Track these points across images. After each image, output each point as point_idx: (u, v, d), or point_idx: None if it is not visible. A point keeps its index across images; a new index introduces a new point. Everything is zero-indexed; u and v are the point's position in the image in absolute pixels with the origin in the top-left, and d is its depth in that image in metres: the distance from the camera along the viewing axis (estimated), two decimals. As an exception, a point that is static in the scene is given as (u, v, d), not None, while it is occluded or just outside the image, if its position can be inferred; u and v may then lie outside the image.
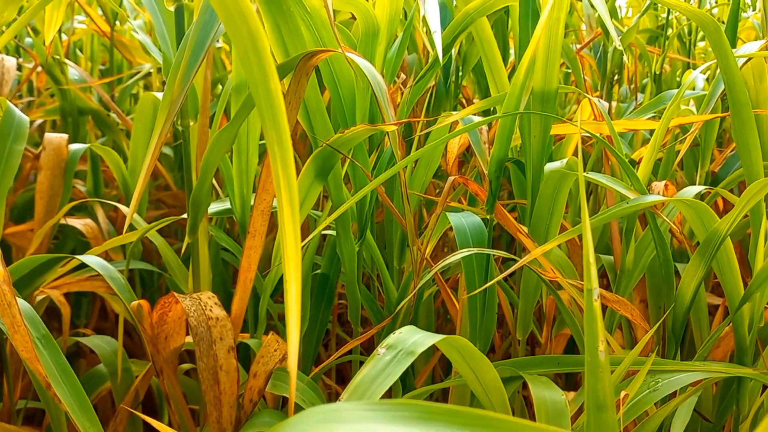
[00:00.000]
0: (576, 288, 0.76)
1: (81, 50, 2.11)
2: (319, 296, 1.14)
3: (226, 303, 1.00)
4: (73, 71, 1.73)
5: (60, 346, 0.92)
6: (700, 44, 2.20)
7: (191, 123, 0.91)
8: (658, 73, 1.68)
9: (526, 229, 0.98)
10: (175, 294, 0.85)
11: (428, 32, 1.10)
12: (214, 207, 1.07)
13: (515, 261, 0.76)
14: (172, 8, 0.84)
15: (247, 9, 0.37)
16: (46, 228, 1.09)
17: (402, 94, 1.64)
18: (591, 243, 0.46)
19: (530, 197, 0.94)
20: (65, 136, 1.18)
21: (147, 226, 1.03)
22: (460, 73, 1.86)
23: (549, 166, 0.98)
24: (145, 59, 1.87)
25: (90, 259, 0.91)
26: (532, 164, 0.92)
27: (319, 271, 1.14)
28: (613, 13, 1.68)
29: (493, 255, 0.88)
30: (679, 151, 1.14)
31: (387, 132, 0.79)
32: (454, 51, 1.74)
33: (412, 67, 1.82)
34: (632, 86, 2.10)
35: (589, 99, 1.07)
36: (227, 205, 1.08)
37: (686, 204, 0.73)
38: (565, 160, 1.11)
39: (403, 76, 1.54)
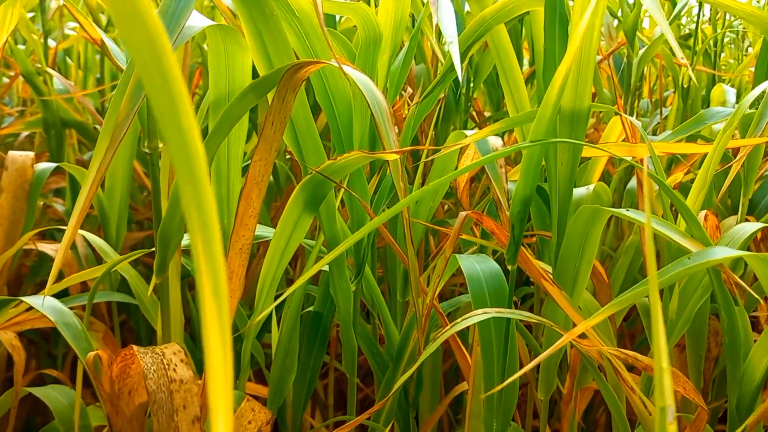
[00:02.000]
0: (617, 358, 0.61)
1: (73, 58, 1.98)
2: (312, 337, 0.99)
3: (193, 359, 0.85)
4: (57, 81, 1.60)
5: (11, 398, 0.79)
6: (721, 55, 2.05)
7: (161, 145, 0.77)
8: (686, 86, 1.53)
9: (549, 270, 0.83)
10: (135, 347, 0.70)
11: (439, 40, 0.96)
12: (188, 238, 0.93)
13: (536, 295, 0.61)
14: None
15: (145, 10, 0.23)
16: (5, 258, 0.95)
17: (409, 107, 1.50)
18: (664, 347, 0.31)
19: (556, 233, 0.79)
20: (31, 154, 1.05)
21: (114, 260, 0.89)
22: (472, 85, 1.72)
23: (575, 194, 0.84)
24: (137, 68, 1.73)
25: (37, 301, 0.77)
26: (559, 195, 0.77)
27: (311, 308, 1.00)
28: (637, 24, 1.54)
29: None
30: (718, 176, 0.99)
31: (387, 160, 0.64)
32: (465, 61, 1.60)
33: (419, 79, 1.68)
34: (654, 99, 1.95)
35: (622, 117, 0.92)
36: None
37: (761, 260, 0.58)
38: (591, 187, 0.96)
39: (409, 90, 1.40)
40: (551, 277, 0.70)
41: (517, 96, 1.01)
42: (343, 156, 0.69)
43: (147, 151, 0.76)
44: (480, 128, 1.94)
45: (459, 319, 0.60)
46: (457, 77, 1.59)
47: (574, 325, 0.67)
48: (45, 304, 0.79)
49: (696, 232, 0.57)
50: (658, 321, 0.31)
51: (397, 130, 1.66)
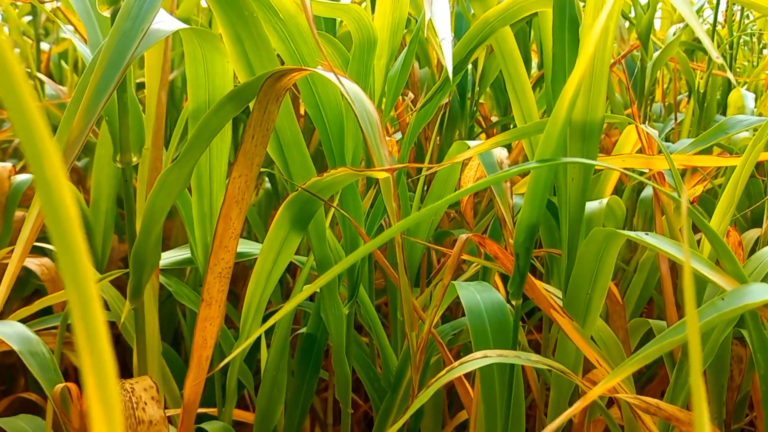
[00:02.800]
0: (636, 404, 0.53)
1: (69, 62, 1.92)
2: (304, 360, 0.92)
3: (181, 378, 0.78)
4: (48, 86, 1.54)
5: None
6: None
7: (134, 159, 0.70)
8: (702, 91, 1.45)
9: (559, 294, 0.76)
10: (103, 383, 0.64)
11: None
12: (170, 256, 0.86)
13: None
14: (107, 13, 0.63)
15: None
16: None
17: (412, 113, 1.43)
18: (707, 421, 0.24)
19: (566, 254, 0.72)
20: (8, 165, 0.98)
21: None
22: (477, 89, 1.64)
23: (587, 208, 0.77)
24: (136, 72, 1.67)
25: (4, 328, 0.71)
26: (569, 213, 0.70)
27: (303, 329, 0.93)
28: (651, 26, 1.46)
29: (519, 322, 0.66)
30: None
31: (378, 179, 0.57)
32: (470, 65, 1.53)
33: (423, 84, 1.61)
34: (667, 103, 1.87)
35: (638, 128, 0.85)
36: (187, 254, 0.86)
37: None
38: (604, 201, 0.89)
39: (411, 95, 1.33)
40: (561, 306, 0.62)
41: (524, 103, 0.94)
42: (330, 172, 0.62)
43: (119, 165, 0.69)
44: (487, 134, 1.86)
45: (456, 363, 0.53)
46: (463, 82, 1.52)
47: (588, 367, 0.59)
48: (12, 330, 0.73)
49: (729, 266, 0.50)
50: (701, 401, 0.24)
51: (400, 136, 1.58)
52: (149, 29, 0.53)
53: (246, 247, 0.89)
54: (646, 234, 0.58)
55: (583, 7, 0.72)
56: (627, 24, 1.67)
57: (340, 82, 0.56)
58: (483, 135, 1.90)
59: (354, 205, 0.78)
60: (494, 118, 1.90)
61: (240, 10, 0.61)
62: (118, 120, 0.68)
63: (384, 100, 0.92)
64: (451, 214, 1.38)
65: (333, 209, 0.81)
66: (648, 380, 1.28)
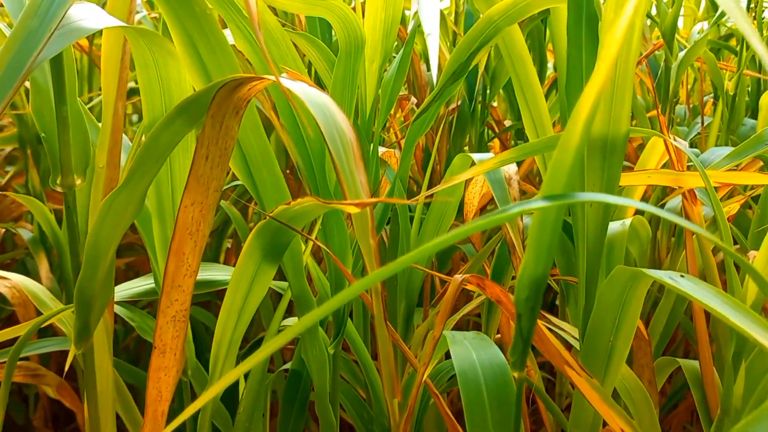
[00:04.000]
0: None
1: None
2: (290, 400, 0.82)
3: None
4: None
5: None
6: None
7: (78, 182, 0.60)
8: (732, 93, 1.33)
9: (575, 336, 0.65)
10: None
11: (454, 45, 0.78)
12: (131, 287, 0.76)
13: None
14: None
15: None
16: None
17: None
18: None
19: (583, 289, 0.61)
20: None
21: (45, 315, 0.72)
22: (488, 92, 1.53)
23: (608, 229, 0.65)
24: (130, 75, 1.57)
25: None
26: (587, 243, 0.58)
27: (287, 365, 0.82)
28: (676, 24, 1.33)
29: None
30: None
31: (352, 213, 0.46)
32: (480, 66, 1.42)
33: (430, 87, 1.50)
34: (691, 106, 1.74)
35: (667, 143, 0.73)
36: (150, 283, 0.76)
37: None
38: (627, 222, 0.77)
39: (414, 99, 1.22)
40: (577, 361, 0.51)
41: (535, 112, 0.82)
42: (298, 201, 0.51)
43: (59, 189, 0.59)
44: (500, 139, 1.75)
45: None
46: (472, 84, 1.40)
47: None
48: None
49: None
50: None
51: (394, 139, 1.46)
52: (67, 27, 0.42)
53: (218, 272, 0.79)
54: (681, 276, 0.46)
55: (603, 1, 0.61)
56: (648, 22, 1.55)
57: (296, 93, 0.45)
58: (496, 140, 1.79)
59: (339, 231, 0.67)
60: (507, 122, 1.79)
61: (190, 5, 0.51)
62: (57, 137, 0.58)
63: (379, 105, 0.82)
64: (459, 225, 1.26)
65: (316, 229, 0.71)
66: (673, 407, 1.16)
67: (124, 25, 0.50)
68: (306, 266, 0.70)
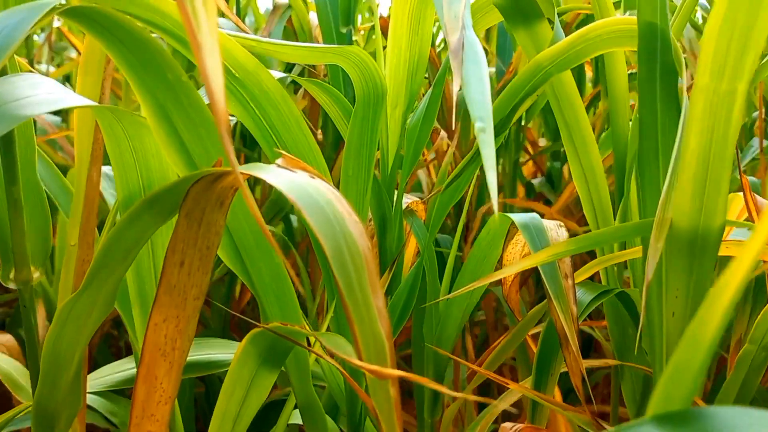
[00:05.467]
0: None
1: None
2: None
3: None
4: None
5: None
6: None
7: (36, 275, 0.49)
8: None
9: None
10: None
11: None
12: (111, 372, 0.65)
13: None
14: None
15: None
16: None
17: (447, 150, 1.20)
18: None
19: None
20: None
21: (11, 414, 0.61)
22: (524, 115, 1.40)
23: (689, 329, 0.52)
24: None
25: None
26: (665, 362, 0.46)
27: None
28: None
29: None
30: None
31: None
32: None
33: (461, 110, 1.37)
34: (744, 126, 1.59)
35: (748, 199, 0.60)
36: (131, 369, 0.65)
37: None
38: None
39: (443, 134, 1.09)
40: None
41: (585, 161, 0.70)
42: (296, 327, 0.40)
43: (13, 286, 0.48)
44: (534, 161, 1.62)
45: None
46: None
47: None
48: None
49: None
50: None
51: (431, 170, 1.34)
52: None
53: (216, 351, 0.68)
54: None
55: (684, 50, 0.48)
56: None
57: (290, 195, 0.33)
58: (530, 163, 1.66)
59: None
60: (542, 142, 1.66)
61: (161, 72, 0.39)
62: (8, 223, 0.46)
63: (403, 154, 0.70)
64: (492, 297, 1.13)
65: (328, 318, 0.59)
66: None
67: (82, 104, 0.38)
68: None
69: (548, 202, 1.53)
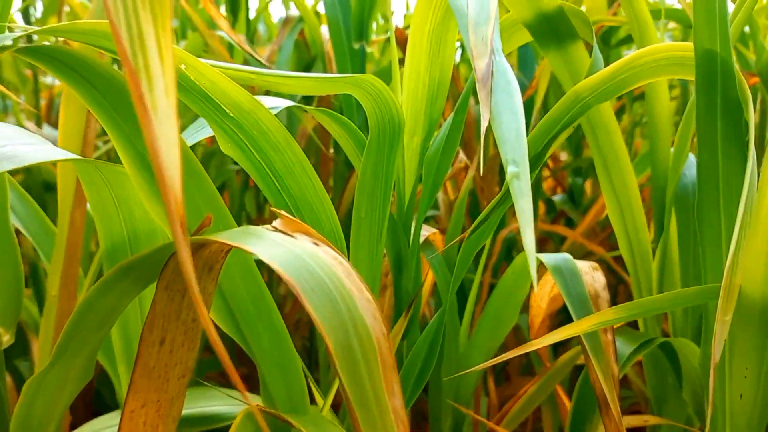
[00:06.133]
0: None
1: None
2: None
3: None
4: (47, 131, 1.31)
5: None
6: None
7: (5, 338, 0.43)
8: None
9: None
10: None
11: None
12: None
13: None
14: None
15: None
16: None
17: (466, 174, 1.13)
18: None
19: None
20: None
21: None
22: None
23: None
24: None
25: None
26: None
27: None
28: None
29: None
30: None
31: None
32: (537, 101, 1.22)
33: (480, 131, 1.29)
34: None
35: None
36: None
37: None
38: None
39: (462, 156, 1.03)
40: None
41: (622, 194, 0.63)
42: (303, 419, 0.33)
43: (-23, 351, 0.42)
44: (555, 178, 1.55)
45: None
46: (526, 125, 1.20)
47: None
48: None
49: None
50: None
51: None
52: None
53: (214, 404, 0.61)
54: None
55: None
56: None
57: (292, 280, 0.26)
58: (550, 179, 1.59)
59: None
60: (564, 156, 1.59)
61: (134, 114, 0.33)
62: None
63: (423, 185, 0.63)
64: (517, 334, 1.06)
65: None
66: None
67: (53, 159, 0.32)
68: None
69: (570, 221, 1.46)
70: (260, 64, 1.09)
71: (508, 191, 0.52)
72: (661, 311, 0.48)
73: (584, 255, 1.33)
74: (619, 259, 1.28)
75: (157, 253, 0.32)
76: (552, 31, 0.57)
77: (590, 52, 0.54)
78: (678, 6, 1.79)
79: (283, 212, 0.32)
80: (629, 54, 1.34)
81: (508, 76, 0.36)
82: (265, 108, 0.39)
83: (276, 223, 0.32)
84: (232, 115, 0.38)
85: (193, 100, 0.37)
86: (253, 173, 0.42)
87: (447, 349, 0.72)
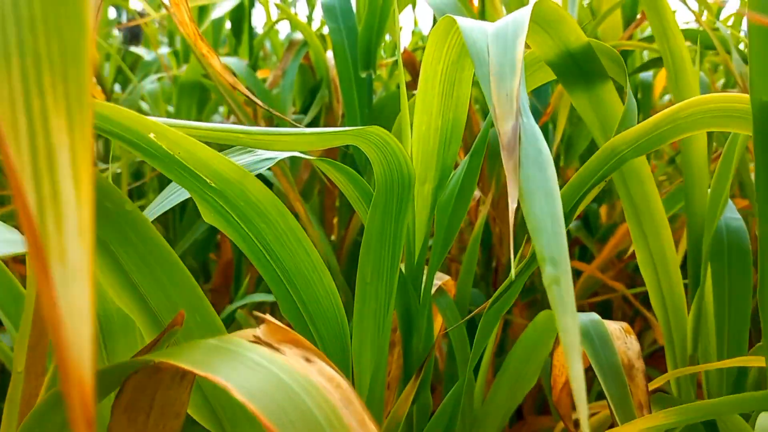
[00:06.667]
0: None
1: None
2: None
3: None
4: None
5: None
6: None
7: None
8: None
9: None
10: None
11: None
12: None
13: None
14: None
15: None
16: None
17: (478, 212, 1.08)
18: None
19: None
20: None
21: None
22: (562, 159, 1.28)
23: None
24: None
25: None
26: None
27: None
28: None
29: None
30: None
31: None
32: (557, 133, 1.17)
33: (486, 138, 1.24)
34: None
35: None
36: None
37: None
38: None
39: (478, 193, 0.96)
40: None
41: (655, 247, 0.57)
42: None
43: None
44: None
45: None
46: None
47: None
48: None
49: None
50: None
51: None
52: None
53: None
54: None
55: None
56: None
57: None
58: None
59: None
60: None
61: (97, 201, 0.27)
62: None
63: (436, 237, 0.57)
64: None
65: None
66: None
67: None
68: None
69: (584, 249, 1.40)
70: (265, 95, 1.03)
71: (531, 260, 0.46)
72: (718, 416, 0.42)
73: (601, 288, 1.26)
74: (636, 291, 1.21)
75: (109, 372, 0.26)
76: (579, 70, 0.51)
77: (621, 96, 0.48)
78: (693, 26, 1.71)
79: (268, 317, 0.26)
80: (645, 76, 1.25)
81: (538, 144, 0.30)
82: (252, 176, 0.33)
83: (260, 331, 0.26)
84: (213, 185, 0.32)
85: (167, 169, 0.31)
86: (240, 244, 0.36)
87: (462, 410, 0.66)
